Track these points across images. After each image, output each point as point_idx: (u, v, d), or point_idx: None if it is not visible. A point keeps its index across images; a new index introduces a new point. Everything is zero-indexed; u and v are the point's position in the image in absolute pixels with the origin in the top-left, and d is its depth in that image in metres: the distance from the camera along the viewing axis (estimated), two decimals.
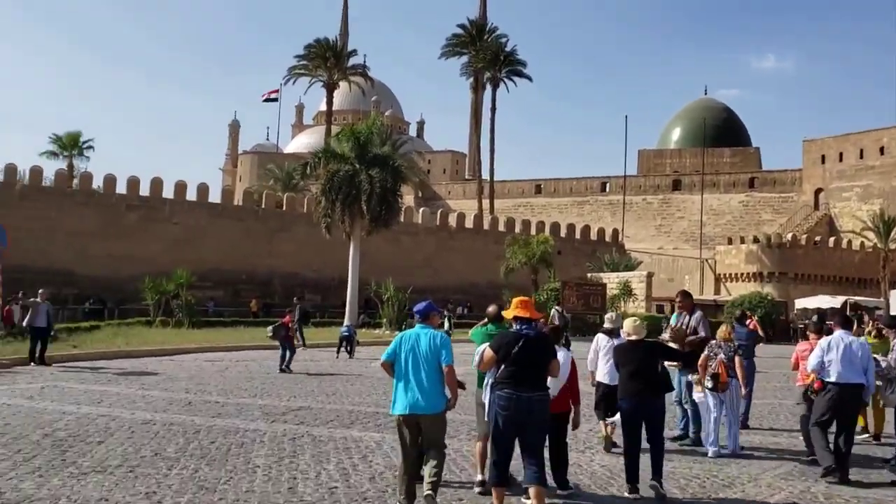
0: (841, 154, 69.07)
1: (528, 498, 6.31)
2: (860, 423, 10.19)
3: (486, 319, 7.92)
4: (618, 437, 8.64)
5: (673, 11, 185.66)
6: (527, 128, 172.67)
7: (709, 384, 9.36)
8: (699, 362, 9.34)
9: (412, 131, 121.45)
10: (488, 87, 63.37)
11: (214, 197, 44.99)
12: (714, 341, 9.65)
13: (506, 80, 62.60)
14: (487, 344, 6.72)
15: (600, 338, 9.63)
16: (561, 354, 7.21)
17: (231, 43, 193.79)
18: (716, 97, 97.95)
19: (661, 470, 7.34)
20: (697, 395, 9.73)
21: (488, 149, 63.32)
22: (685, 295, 10.33)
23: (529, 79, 63.46)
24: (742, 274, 60.23)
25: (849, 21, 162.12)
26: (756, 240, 60.75)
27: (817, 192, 71.35)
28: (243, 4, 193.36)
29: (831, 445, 8.25)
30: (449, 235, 51.24)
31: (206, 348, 23.34)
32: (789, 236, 60.28)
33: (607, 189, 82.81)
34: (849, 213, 66.75)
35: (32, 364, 17.46)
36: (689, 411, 10.08)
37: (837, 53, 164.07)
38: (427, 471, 6.30)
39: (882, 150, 65.82)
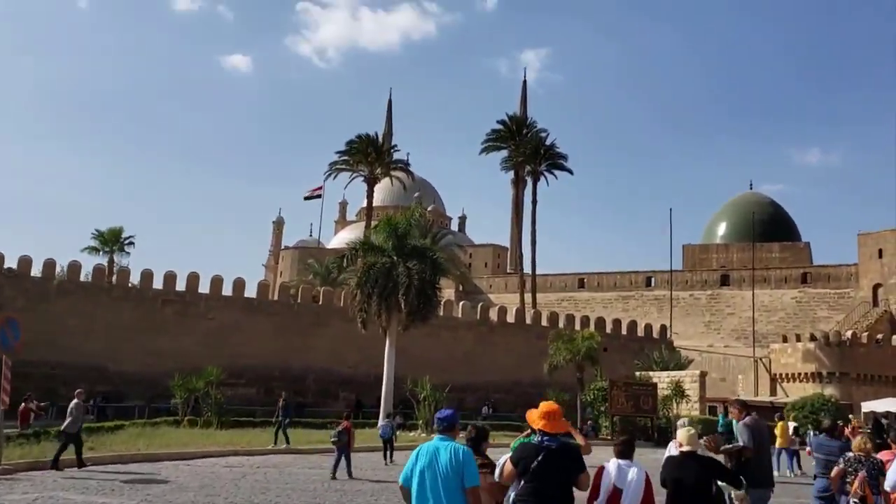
0: None
1: None
2: None
3: (528, 430, 6.72)
4: None
5: (714, 105, 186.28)
6: (568, 221, 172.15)
7: None
8: (832, 475, 8.04)
9: (454, 226, 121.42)
10: (529, 181, 62.82)
11: (252, 292, 44.29)
12: (851, 454, 8.15)
13: (546, 173, 62.00)
14: (508, 456, 6.10)
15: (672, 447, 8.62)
16: (633, 471, 6.45)
17: (278, 141, 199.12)
18: (761, 191, 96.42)
19: None
20: None
21: (530, 242, 62.26)
22: (742, 405, 9.65)
23: (570, 171, 62.86)
24: (799, 374, 57.21)
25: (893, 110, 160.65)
26: (813, 338, 57.92)
27: (875, 287, 68.44)
28: (290, 103, 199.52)
29: None
30: (490, 330, 49.62)
31: (229, 452, 21.89)
32: (849, 334, 57.38)
33: (652, 284, 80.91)
34: None
35: (54, 470, 16.25)
36: None
37: (884, 144, 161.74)
38: None
39: None
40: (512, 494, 6.03)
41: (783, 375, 58.76)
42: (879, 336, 57.56)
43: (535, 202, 61.26)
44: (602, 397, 36.34)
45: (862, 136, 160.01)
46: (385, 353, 34.51)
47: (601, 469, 6.69)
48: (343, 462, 16.94)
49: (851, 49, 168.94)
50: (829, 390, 51.54)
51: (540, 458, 5.86)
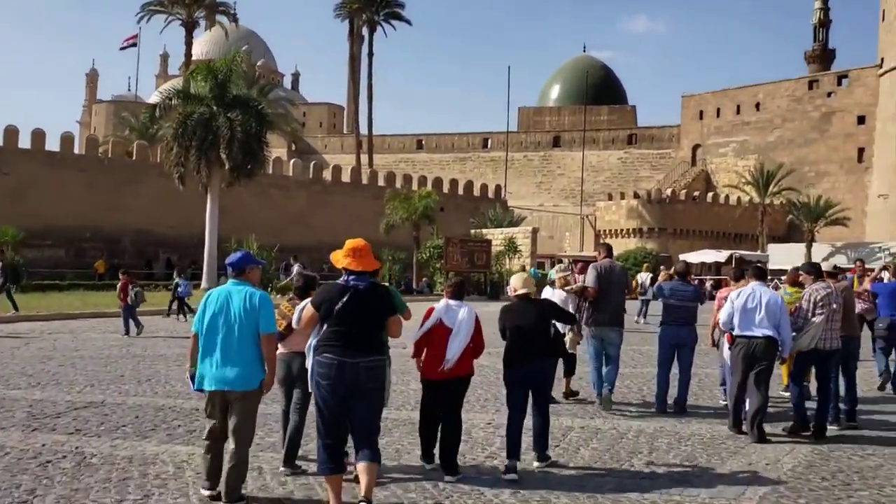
0: (718, 110, 69.57)
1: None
2: (784, 381, 9.82)
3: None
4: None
5: None
6: (407, 81, 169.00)
7: None
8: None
9: (287, 84, 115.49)
10: (366, 36, 59.53)
11: (56, 146, 39.63)
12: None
13: (384, 23, 58.89)
14: (309, 300, 5.50)
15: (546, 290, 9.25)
16: (463, 311, 6.26)
17: None
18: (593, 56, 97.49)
19: (548, 442, 6.64)
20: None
21: (367, 99, 59.70)
22: (608, 249, 9.57)
23: (409, 22, 60.14)
24: (623, 230, 59.81)
25: None
26: (636, 196, 60.39)
27: (695, 147, 71.83)
28: None
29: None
30: (324, 189, 47.72)
31: (25, 317, 19.36)
32: (669, 192, 60.20)
33: (489, 145, 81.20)
34: (725, 169, 67.47)
35: None
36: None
37: (706, 13, 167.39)
38: (225, 469, 5.25)
39: (758, 105, 66.57)
40: (313, 341, 5.28)
41: (608, 232, 61.24)
42: (696, 193, 60.85)
43: (371, 55, 58.39)
44: (438, 255, 35.98)
45: (685, 4, 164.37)
46: (207, 211, 32.05)
47: (431, 308, 6.43)
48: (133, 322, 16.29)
49: None
50: (650, 244, 54.30)
51: (345, 298, 5.18)
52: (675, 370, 9.09)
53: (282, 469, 6.06)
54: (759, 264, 8.68)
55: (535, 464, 6.47)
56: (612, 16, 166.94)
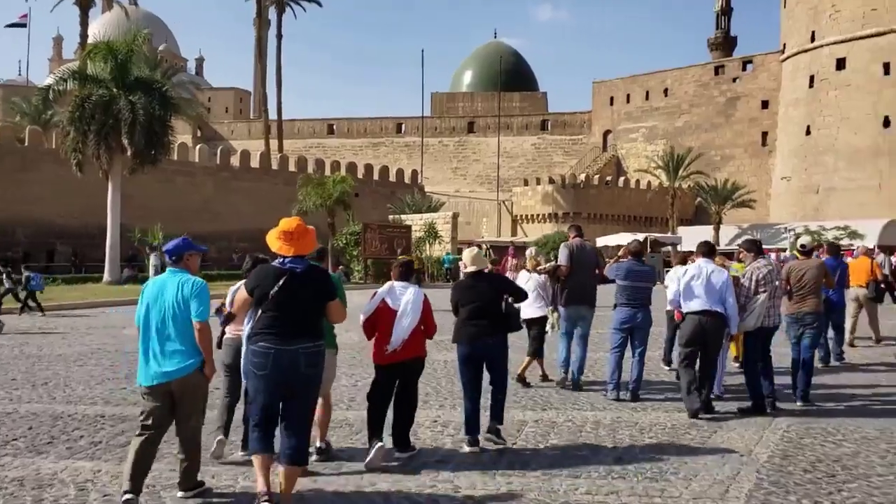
0: (628, 96, 70.63)
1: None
2: (732, 352, 10.05)
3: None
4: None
5: None
6: (317, 66, 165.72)
7: None
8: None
9: (191, 70, 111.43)
10: (274, 20, 57.61)
11: None
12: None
13: (292, 3, 57.07)
14: (242, 282, 5.31)
15: (521, 274, 9.68)
16: (410, 291, 6.09)
17: None
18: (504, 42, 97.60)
19: (503, 415, 6.53)
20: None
21: (275, 84, 57.82)
22: (578, 229, 9.64)
23: (318, 3, 58.39)
24: (539, 215, 60.11)
25: None
26: (551, 181, 60.75)
27: (606, 133, 72.81)
28: None
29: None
30: (232, 176, 45.88)
31: None
32: (583, 177, 60.78)
33: (403, 130, 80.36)
34: (635, 154, 68.61)
35: None
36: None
37: (611, 1, 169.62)
38: (179, 464, 5.11)
39: (666, 91, 67.88)
40: (247, 328, 4.98)
41: (524, 217, 61.47)
42: (608, 178, 61.61)
43: (279, 36, 56.61)
44: (355, 241, 34.98)
45: None
46: (108, 199, 30.16)
47: (376, 291, 6.27)
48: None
49: None
50: (564, 228, 54.61)
51: (281, 283, 4.83)
52: (627, 354, 8.62)
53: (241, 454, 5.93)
54: (706, 241, 8.25)
55: (486, 435, 6.33)
56: (520, 3, 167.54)
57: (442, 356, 11.01)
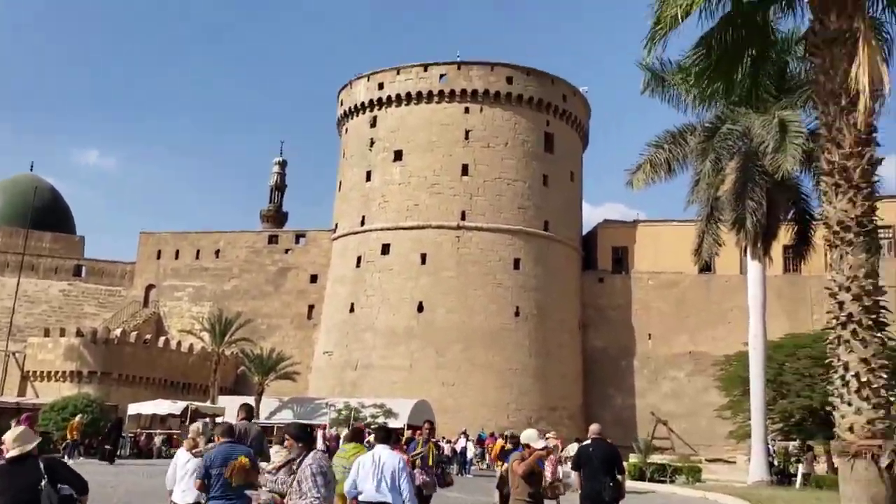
0: (178, 251, 67.06)
1: None
2: None
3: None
4: None
5: None
6: None
7: None
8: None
9: None
10: None
11: None
12: None
13: None
14: None
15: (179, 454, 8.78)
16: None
17: None
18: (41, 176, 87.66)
19: None
20: None
21: None
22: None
23: None
24: (58, 372, 51.69)
25: (166, 121, 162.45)
26: (80, 333, 53.13)
27: (149, 287, 67.50)
28: None
29: None
30: None
31: None
32: (118, 332, 54.35)
33: None
34: (179, 314, 64.42)
35: None
36: None
37: (171, 157, 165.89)
38: None
39: (218, 252, 65.92)
40: None
41: (37, 373, 52.42)
42: (148, 336, 56.21)
43: None
44: None
45: (139, 144, 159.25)
46: None
47: None
48: None
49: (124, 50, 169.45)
50: (90, 390, 47.29)
51: None
52: None
53: None
54: (384, 425, 6.53)
55: None
56: (61, 145, 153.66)
57: None
